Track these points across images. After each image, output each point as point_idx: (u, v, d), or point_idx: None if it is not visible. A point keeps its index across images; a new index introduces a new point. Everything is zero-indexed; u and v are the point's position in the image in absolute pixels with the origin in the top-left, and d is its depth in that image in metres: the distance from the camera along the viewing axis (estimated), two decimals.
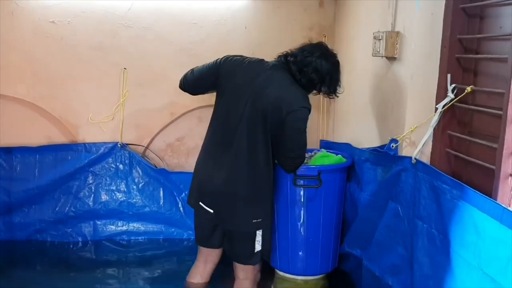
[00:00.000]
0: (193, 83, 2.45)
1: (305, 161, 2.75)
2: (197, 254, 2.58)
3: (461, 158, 1.99)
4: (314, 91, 2.38)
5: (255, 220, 2.32)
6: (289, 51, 2.34)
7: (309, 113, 2.28)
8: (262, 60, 2.37)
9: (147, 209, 3.40)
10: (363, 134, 2.86)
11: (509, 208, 1.51)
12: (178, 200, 3.38)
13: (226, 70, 2.32)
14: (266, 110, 2.22)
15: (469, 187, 1.72)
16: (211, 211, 2.33)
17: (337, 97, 2.45)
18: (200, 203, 2.37)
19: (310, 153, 2.93)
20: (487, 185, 1.73)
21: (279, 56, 2.36)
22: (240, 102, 2.26)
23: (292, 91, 2.25)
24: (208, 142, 2.39)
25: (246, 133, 2.25)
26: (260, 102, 2.22)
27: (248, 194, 2.29)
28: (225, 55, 2.40)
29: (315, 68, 2.26)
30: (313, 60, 2.26)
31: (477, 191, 1.66)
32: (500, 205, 1.54)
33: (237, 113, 2.26)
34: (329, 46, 2.42)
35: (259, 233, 2.36)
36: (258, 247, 2.38)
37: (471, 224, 1.66)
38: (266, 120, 2.23)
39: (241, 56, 2.38)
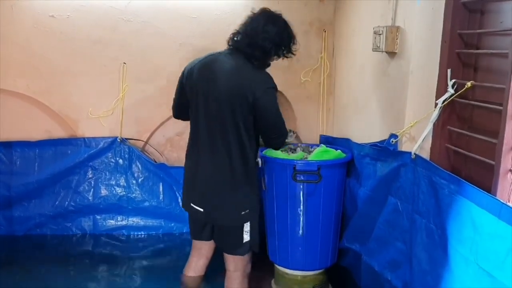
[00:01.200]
0: (178, 109, 2.51)
1: (305, 156, 2.75)
2: (191, 248, 2.62)
3: (461, 153, 1.99)
4: (273, 58, 2.36)
5: (243, 212, 2.36)
6: (235, 31, 2.34)
7: (276, 91, 2.31)
8: (216, 53, 2.36)
9: (146, 203, 3.41)
10: (363, 129, 2.86)
11: (507, 204, 1.51)
12: (177, 194, 3.39)
13: (186, 78, 2.36)
14: (231, 103, 2.22)
15: (467, 182, 1.72)
16: (201, 209, 2.38)
17: (294, 55, 2.43)
18: (191, 204, 2.42)
19: (310, 148, 2.93)
20: (486, 181, 1.73)
21: (228, 41, 2.35)
22: (204, 102, 2.28)
23: (252, 76, 2.25)
24: (188, 147, 2.45)
25: (218, 131, 2.27)
26: (222, 96, 2.23)
27: (231, 189, 2.32)
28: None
29: (264, 37, 2.24)
30: (260, 29, 2.25)
31: (475, 186, 1.66)
32: (498, 200, 1.54)
33: (204, 113, 2.29)
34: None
35: (246, 225, 2.40)
36: (246, 237, 2.41)
37: (468, 219, 1.66)
38: (236, 112, 2.23)
39: (200, 57, 2.38)
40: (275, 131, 2.35)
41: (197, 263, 2.61)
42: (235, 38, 2.30)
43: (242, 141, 2.28)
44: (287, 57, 2.41)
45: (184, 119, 2.55)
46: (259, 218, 2.52)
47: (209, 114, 2.28)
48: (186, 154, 2.46)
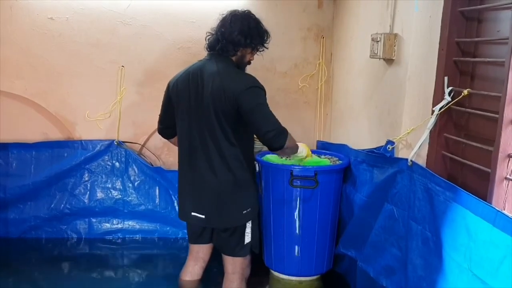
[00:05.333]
0: (164, 123, 2.52)
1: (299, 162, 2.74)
2: (188, 252, 2.61)
3: (457, 160, 1.99)
4: (247, 52, 2.34)
5: (245, 211, 2.36)
6: (207, 34, 2.38)
7: (261, 89, 2.26)
8: (197, 62, 2.39)
9: (142, 207, 3.40)
10: (360, 135, 2.86)
11: (502, 211, 1.52)
12: (173, 198, 3.38)
13: (171, 89, 2.40)
14: (216, 106, 2.22)
15: (462, 189, 1.72)
16: (203, 216, 2.37)
17: (267, 48, 2.42)
18: (193, 213, 2.40)
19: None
20: (482, 188, 1.73)
21: (205, 46, 2.38)
22: (192, 108, 2.30)
23: (234, 78, 2.24)
24: (179, 157, 2.42)
25: (207, 135, 2.27)
26: (207, 100, 2.23)
27: (230, 191, 2.32)
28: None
29: (231, 31, 2.26)
30: (227, 25, 2.28)
31: (470, 194, 1.67)
32: (494, 207, 1.54)
33: (194, 119, 2.30)
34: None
35: (248, 225, 2.40)
36: (247, 239, 2.41)
37: (463, 226, 1.67)
38: (222, 115, 2.22)
39: (182, 70, 2.42)
40: (268, 127, 2.18)
41: (194, 267, 2.60)
42: (207, 41, 2.35)
43: (232, 143, 2.27)
44: (259, 50, 2.40)
45: (167, 134, 2.57)
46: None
47: (198, 119, 2.28)
48: (178, 163, 2.44)
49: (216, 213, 2.35)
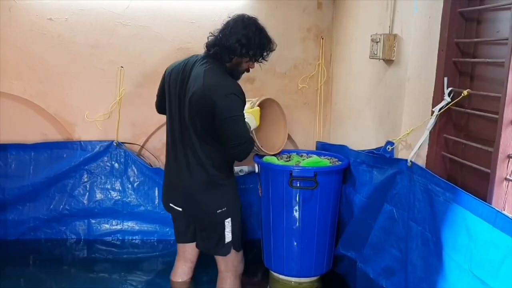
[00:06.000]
0: (159, 105, 2.53)
1: (297, 163, 2.74)
2: (176, 253, 2.61)
3: (457, 161, 1.99)
4: (242, 61, 2.27)
5: (219, 211, 2.34)
6: (211, 33, 2.31)
7: (240, 100, 2.20)
8: (194, 56, 2.36)
9: (141, 208, 3.39)
10: (360, 136, 2.86)
11: (502, 212, 1.52)
12: None
13: (165, 79, 2.39)
14: (195, 107, 2.20)
15: (462, 190, 1.72)
16: (180, 209, 2.40)
17: (266, 61, 2.35)
18: (170, 204, 2.43)
19: (306, 156, 2.93)
20: (482, 189, 1.73)
21: (205, 44, 2.32)
22: (176, 104, 2.30)
23: (216, 82, 2.19)
24: (166, 146, 2.46)
25: (187, 133, 2.27)
26: (189, 100, 2.22)
27: (204, 189, 2.32)
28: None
29: (229, 37, 2.19)
30: (228, 30, 2.21)
31: (470, 194, 1.67)
32: (494, 208, 1.54)
33: (177, 115, 2.31)
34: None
35: (228, 224, 2.37)
36: (228, 238, 2.39)
37: (463, 227, 1.66)
38: (199, 116, 2.21)
39: (180, 60, 2.39)
40: (231, 139, 2.20)
41: (182, 268, 2.61)
42: (208, 40, 2.31)
43: (207, 142, 2.26)
44: (258, 62, 2.33)
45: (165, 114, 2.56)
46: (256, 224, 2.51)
47: (181, 116, 2.29)
48: (165, 153, 2.47)
49: (191, 210, 2.38)
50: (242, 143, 2.23)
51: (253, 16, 2.29)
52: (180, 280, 2.61)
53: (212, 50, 2.25)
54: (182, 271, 2.61)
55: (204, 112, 2.19)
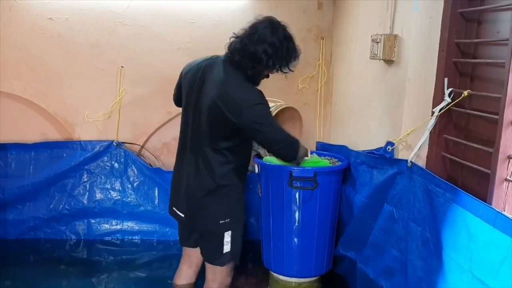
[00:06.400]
0: (177, 101, 2.46)
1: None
2: (182, 256, 2.58)
3: (457, 162, 1.99)
4: (266, 71, 2.18)
5: (222, 221, 2.26)
6: (233, 34, 2.14)
7: (266, 106, 2.10)
8: (214, 58, 2.23)
9: (141, 208, 3.39)
10: (360, 137, 2.86)
11: (502, 212, 1.52)
12: None
13: (183, 78, 2.30)
14: (212, 115, 2.11)
15: (462, 190, 1.72)
16: (182, 215, 2.33)
17: (292, 71, 2.21)
18: (174, 208, 2.38)
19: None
20: (482, 189, 1.73)
21: (226, 45, 2.17)
22: (191, 107, 2.21)
23: (237, 93, 2.07)
24: (177, 148, 2.38)
25: (200, 139, 2.19)
26: (205, 106, 2.13)
27: (210, 197, 2.23)
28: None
29: (257, 45, 2.04)
30: (255, 37, 2.05)
31: (470, 195, 1.66)
32: (494, 209, 1.54)
33: (191, 118, 2.22)
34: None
35: (227, 234, 2.28)
36: (227, 248, 2.30)
37: (463, 228, 1.66)
38: (215, 125, 2.13)
39: (199, 60, 2.27)
40: (277, 144, 2.17)
41: (187, 271, 2.54)
42: (230, 43, 2.16)
43: (222, 152, 2.18)
44: (283, 72, 2.20)
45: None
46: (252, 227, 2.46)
47: (194, 121, 2.21)
48: (176, 155, 2.39)
49: (193, 216, 2.30)
50: (285, 145, 2.19)
51: (283, 23, 2.16)
52: (184, 283, 2.55)
53: (237, 57, 2.09)
54: (187, 274, 2.55)
55: (224, 124, 2.10)
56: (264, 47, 2.05)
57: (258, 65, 2.10)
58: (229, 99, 2.07)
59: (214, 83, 2.13)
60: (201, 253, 2.43)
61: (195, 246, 2.48)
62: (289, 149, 2.24)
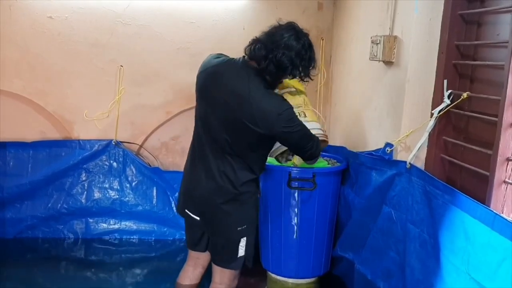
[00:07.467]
0: None
1: (292, 160, 2.72)
2: (187, 257, 2.56)
3: (456, 163, 1.99)
4: (286, 77, 2.16)
5: (240, 228, 2.24)
6: (254, 38, 2.09)
7: (290, 109, 2.09)
8: (230, 61, 2.15)
9: (140, 207, 3.39)
10: (359, 138, 2.86)
11: (501, 214, 1.52)
12: (171, 199, 3.38)
13: (197, 79, 2.22)
14: (231, 123, 2.07)
15: (460, 192, 1.72)
16: (198, 218, 2.30)
17: (312, 80, 2.18)
18: (186, 210, 2.33)
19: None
20: (481, 191, 1.73)
21: (245, 49, 2.11)
22: (206, 112, 2.16)
23: (262, 104, 2.02)
24: (190, 149, 2.34)
25: (215, 145, 2.15)
26: (223, 113, 2.09)
27: (232, 203, 2.20)
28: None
29: (284, 52, 2.00)
30: (281, 43, 2.00)
31: (468, 197, 1.67)
32: (492, 211, 1.54)
33: (205, 123, 2.17)
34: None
35: (243, 240, 2.27)
36: (241, 252, 2.28)
37: (461, 229, 1.66)
38: (235, 134, 2.09)
39: (215, 61, 2.19)
40: (303, 149, 2.19)
41: (193, 272, 2.49)
42: (252, 48, 2.08)
43: (242, 161, 2.16)
44: (303, 81, 2.18)
45: None
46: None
47: (209, 126, 2.15)
48: (188, 153, 2.34)
49: (211, 221, 2.27)
50: (313, 145, 2.19)
51: (306, 31, 2.11)
52: (189, 283, 2.50)
53: (262, 65, 2.03)
54: (192, 275, 2.49)
55: (251, 135, 2.06)
56: (291, 56, 2.02)
57: (282, 73, 2.08)
58: (256, 118, 2.02)
59: (239, 97, 2.05)
60: (213, 257, 2.39)
61: (204, 251, 2.44)
62: (316, 146, 2.22)
